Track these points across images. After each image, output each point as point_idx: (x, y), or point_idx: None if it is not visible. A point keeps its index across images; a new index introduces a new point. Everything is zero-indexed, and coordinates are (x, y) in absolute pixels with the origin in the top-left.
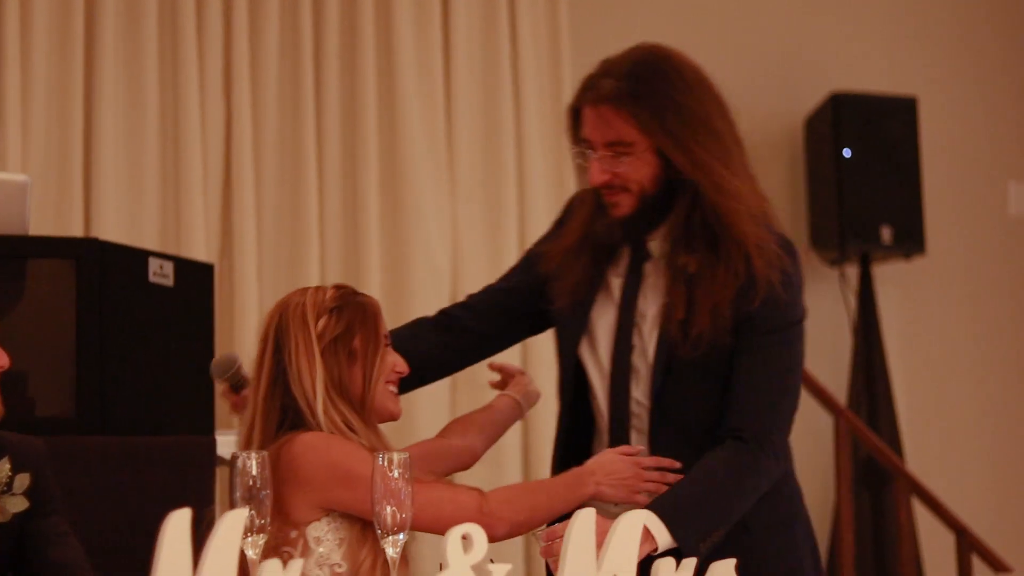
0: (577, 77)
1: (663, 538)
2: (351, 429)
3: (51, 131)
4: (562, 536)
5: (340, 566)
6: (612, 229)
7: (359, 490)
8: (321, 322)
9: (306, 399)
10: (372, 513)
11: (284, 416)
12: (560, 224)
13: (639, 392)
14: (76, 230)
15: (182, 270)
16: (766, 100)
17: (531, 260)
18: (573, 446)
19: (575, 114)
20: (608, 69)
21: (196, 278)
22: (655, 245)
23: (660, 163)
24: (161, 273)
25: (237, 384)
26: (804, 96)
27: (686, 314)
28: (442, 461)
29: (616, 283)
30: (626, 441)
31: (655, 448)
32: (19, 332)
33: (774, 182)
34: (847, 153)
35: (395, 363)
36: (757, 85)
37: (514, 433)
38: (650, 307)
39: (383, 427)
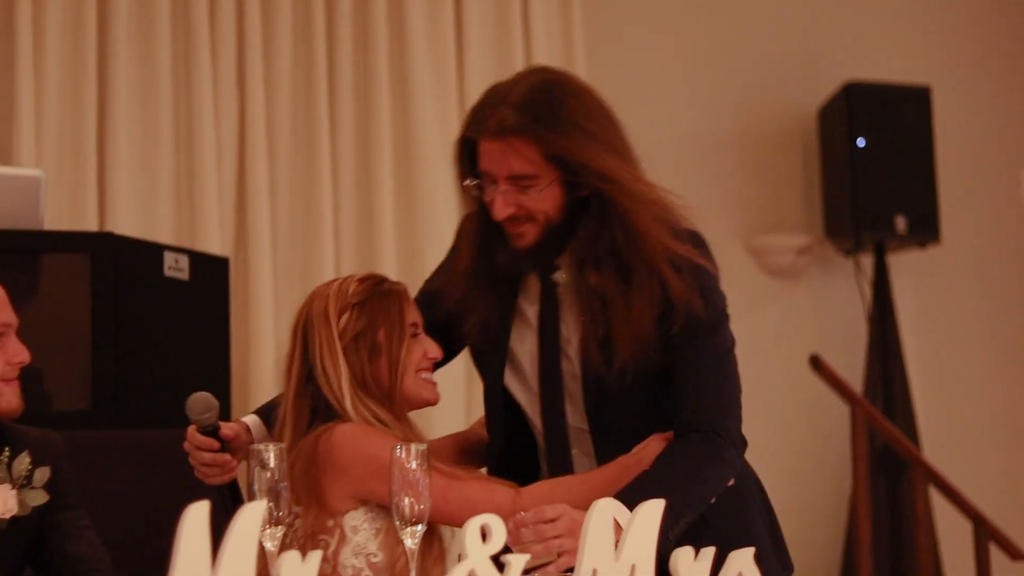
0: (591, 67)
1: None
2: (381, 423)
3: (64, 126)
4: (528, 526)
5: (376, 556)
6: (517, 260)
7: None
8: (343, 319)
9: (335, 396)
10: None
11: (315, 413)
12: (455, 251)
13: (576, 418)
14: (90, 224)
15: (197, 264)
16: (780, 91)
17: (431, 297)
18: (512, 466)
19: (469, 145)
20: (503, 98)
21: (211, 271)
22: (561, 273)
23: (564, 190)
24: (176, 267)
25: (206, 429)
26: (818, 86)
27: (604, 343)
28: (476, 454)
29: (531, 311)
30: (568, 465)
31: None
32: (35, 327)
33: (788, 173)
34: (861, 143)
35: (427, 350)
36: (771, 76)
37: None
38: (573, 332)
39: (414, 414)
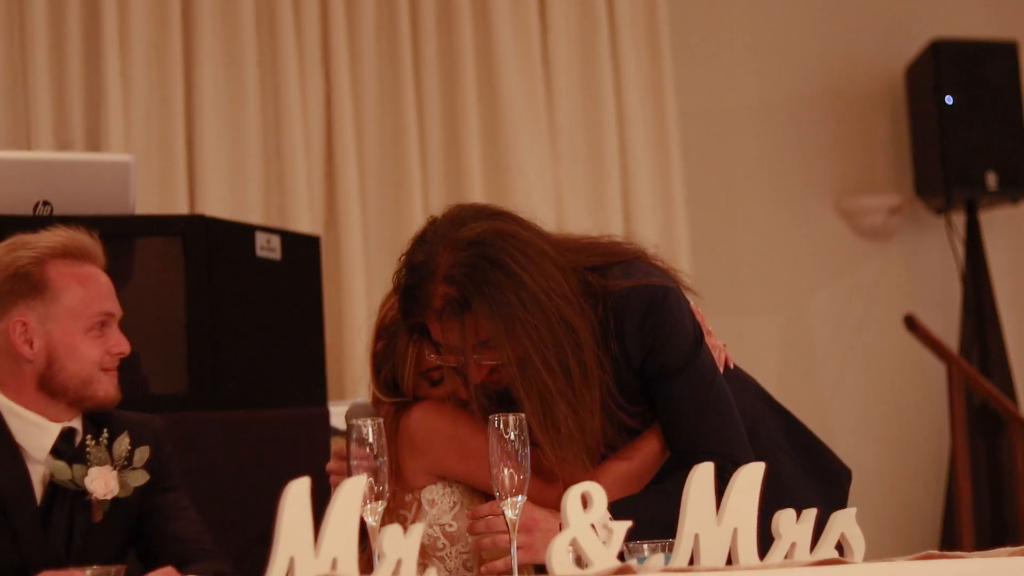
0: (675, 34)
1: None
2: None
3: (152, 110)
4: (485, 517)
5: (451, 526)
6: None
7: (471, 462)
8: (379, 344)
9: None
10: (483, 483)
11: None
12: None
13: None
14: (181, 207)
15: (289, 243)
16: (866, 51)
17: None
18: None
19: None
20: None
21: (303, 250)
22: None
23: None
24: (268, 247)
25: None
26: (904, 45)
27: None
28: None
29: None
30: None
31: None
32: (129, 311)
33: (877, 133)
34: (949, 100)
35: (446, 394)
36: (857, 36)
37: None
38: None
39: None
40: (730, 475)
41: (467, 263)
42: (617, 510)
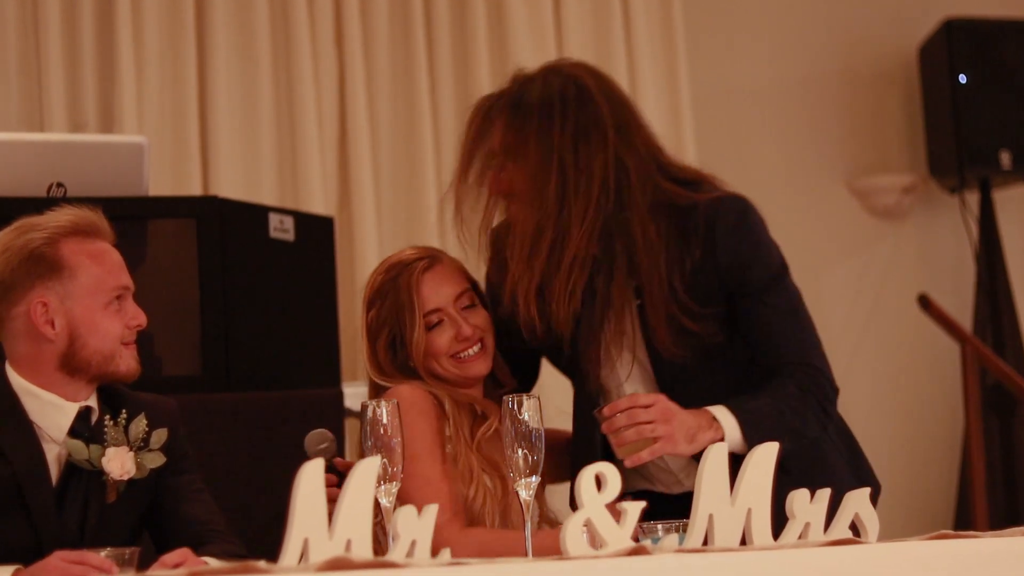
0: (689, 13)
1: (732, 434)
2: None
3: (165, 91)
4: (622, 411)
5: None
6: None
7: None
8: (370, 314)
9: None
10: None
11: None
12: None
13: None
14: (195, 189)
15: (302, 224)
16: (879, 30)
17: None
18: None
19: None
20: None
21: (316, 232)
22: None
23: None
24: (282, 228)
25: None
26: (917, 24)
27: (645, 326)
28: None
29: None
30: None
31: None
32: (143, 293)
33: (890, 112)
34: (963, 79)
35: (457, 332)
36: (870, 16)
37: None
38: (621, 323)
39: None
40: (822, 386)
41: (558, 82)
42: (745, 415)
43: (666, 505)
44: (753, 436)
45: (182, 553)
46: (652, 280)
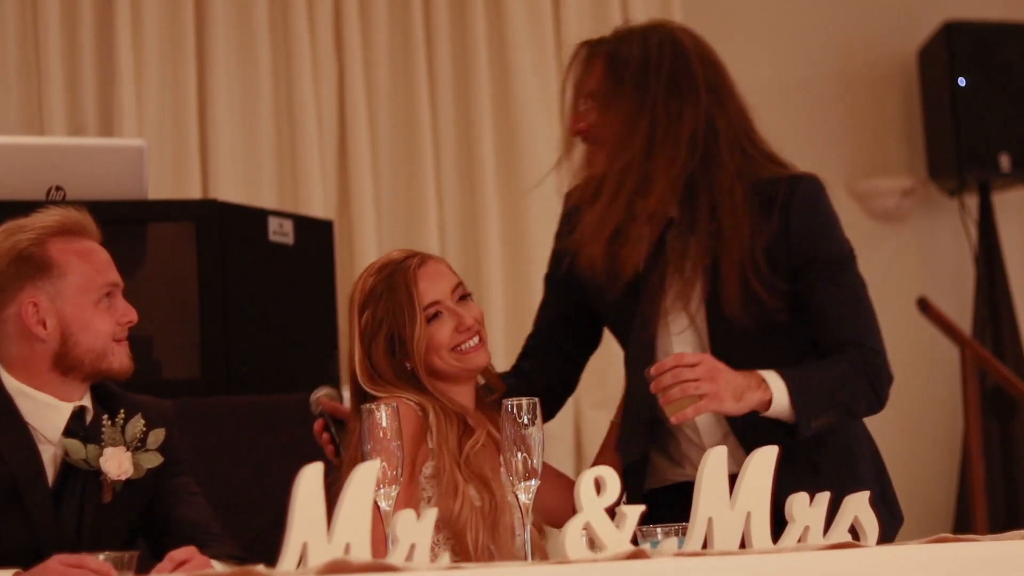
0: (688, 12)
1: (780, 398)
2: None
3: (165, 94)
4: (668, 370)
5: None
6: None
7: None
8: (364, 318)
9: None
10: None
11: None
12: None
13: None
14: (194, 192)
15: (302, 228)
16: (878, 32)
17: (563, 280)
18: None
19: None
20: None
21: (316, 235)
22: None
23: None
24: (281, 231)
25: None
26: (917, 26)
27: (714, 286)
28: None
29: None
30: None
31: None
32: (142, 296)
33: (889, 115)
34: (962, 82)
35: (458, 323)
36: (869, 18)
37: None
38: (691, 279)
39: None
40: (877, 368)
41: (657, 37)
42: (794, 382)
43: None
44: (800, 402)
45: (189, 551)
46: (734, 239)
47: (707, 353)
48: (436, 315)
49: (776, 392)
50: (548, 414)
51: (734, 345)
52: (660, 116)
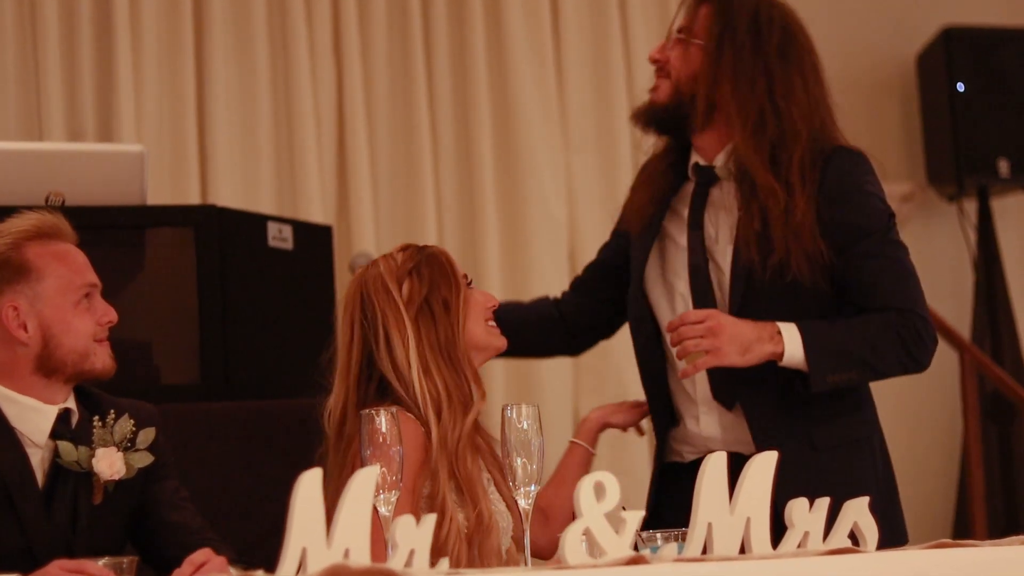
0: None
1: (794, 350)
2: (448, 392)
3: (164, 100)
4: (675, 329)
5: None
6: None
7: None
8: (405, 288)
9: (399, 375)
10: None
11: (377, 394)
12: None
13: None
14: (193, 198)
15: (301, 233)
16: (877, 38)
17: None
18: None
19: None
20: None
21: (315, 240)
22: (721, 168)
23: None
24: (280, 237)
25: None
26: (915, 32)
27: (760, 238)
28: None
29: (684, 211)
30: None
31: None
32: (141, 301)
33: (888, 120)
34: (961, 87)
35: (484, 299)
36: (868, 23)
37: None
38: (723, 229)
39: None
40: (915, 328)
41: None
42: (810, 335)
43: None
44: (814, 355)
45: (206, 552)
46: (786, 202)
47: (713, 310)
48: (469, 285)
49: (789, 344)
50: (568, 347)
51: (750, 303)
52: (776, 70)
